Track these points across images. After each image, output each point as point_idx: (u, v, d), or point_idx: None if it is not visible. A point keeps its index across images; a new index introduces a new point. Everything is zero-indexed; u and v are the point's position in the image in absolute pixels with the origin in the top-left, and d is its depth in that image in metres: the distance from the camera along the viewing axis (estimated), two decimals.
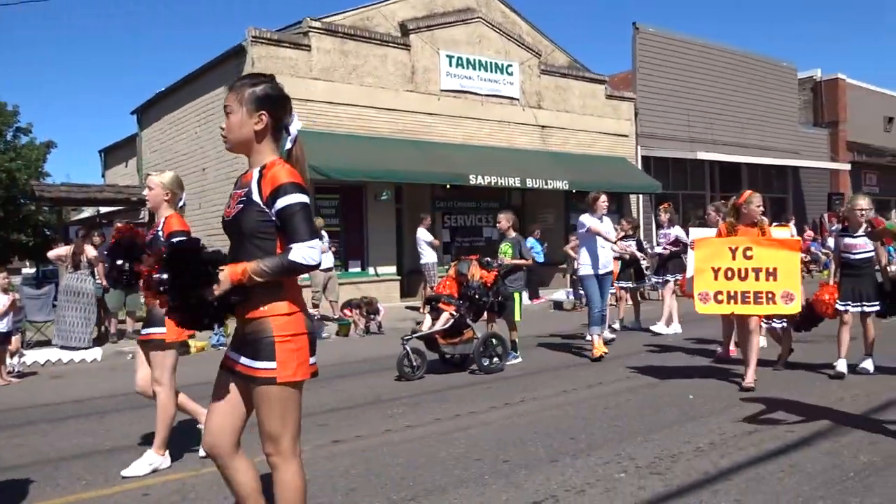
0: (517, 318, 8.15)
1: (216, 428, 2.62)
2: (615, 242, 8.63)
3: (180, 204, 4.52)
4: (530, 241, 15.45)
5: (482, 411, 5.78)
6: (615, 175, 18.62)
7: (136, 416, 5.92)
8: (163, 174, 4.55)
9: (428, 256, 13.74)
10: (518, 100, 17.98)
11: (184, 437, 4.90)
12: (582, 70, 19.64)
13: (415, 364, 7.30)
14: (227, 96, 2.64)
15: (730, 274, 6.00)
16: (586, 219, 8.11)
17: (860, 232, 6.48)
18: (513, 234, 8.38)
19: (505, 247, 8.27)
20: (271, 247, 2.52)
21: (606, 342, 8.51)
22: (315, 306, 12.58)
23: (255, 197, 2.52)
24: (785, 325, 6.97)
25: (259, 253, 2.49)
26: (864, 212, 6.51)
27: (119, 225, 5.30)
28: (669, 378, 6.83)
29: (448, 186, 16.17)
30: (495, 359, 7.63)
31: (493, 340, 7.71)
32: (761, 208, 6.39)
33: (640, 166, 20.27)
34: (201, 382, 7.85)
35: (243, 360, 2.54)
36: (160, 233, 4.31)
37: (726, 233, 6.46)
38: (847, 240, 6.63)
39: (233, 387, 2.61)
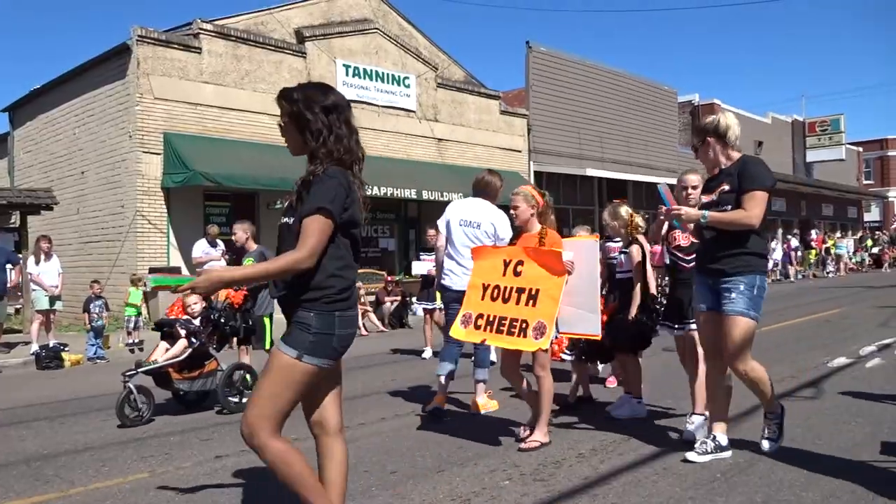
0: (267, 346, 7.00)
1: None
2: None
3: None
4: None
5: (372, 422, 5.74)
6: (508, 189, 19.07)
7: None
8: None
9: None
10: (415, 112, 18.12)
11: None
12: (477, 85, 20.05)
13: (140, 406, 5.86)
14: None
15: (496, 293, 4.67)
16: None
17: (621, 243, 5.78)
18: (254, 246, 7.15)
19: (247, 262, 6.89)
20: None
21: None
22: None
23: None
24: (574, 357, 6.06)
25: None
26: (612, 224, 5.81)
27: None
28: (557, 385, 7.01)
29: None
30: (243, 396, 6.24)
31: (241, 373, 6.41)
32: (524, 208, 5.02)
33: (532, 181, 20.86)
34: (68, 399, 7.40)
35: None
36: None
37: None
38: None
39: None
